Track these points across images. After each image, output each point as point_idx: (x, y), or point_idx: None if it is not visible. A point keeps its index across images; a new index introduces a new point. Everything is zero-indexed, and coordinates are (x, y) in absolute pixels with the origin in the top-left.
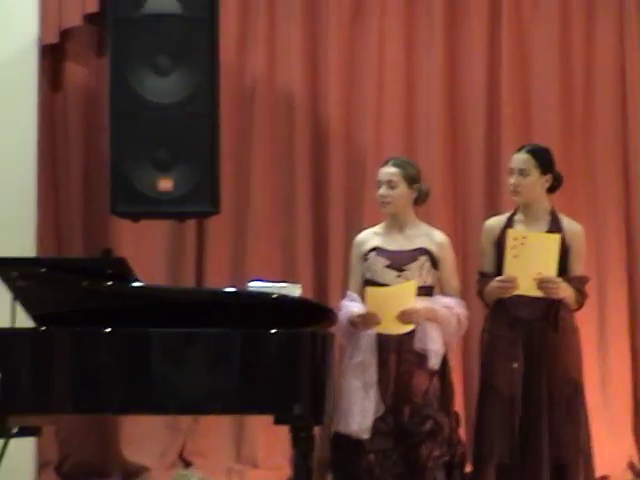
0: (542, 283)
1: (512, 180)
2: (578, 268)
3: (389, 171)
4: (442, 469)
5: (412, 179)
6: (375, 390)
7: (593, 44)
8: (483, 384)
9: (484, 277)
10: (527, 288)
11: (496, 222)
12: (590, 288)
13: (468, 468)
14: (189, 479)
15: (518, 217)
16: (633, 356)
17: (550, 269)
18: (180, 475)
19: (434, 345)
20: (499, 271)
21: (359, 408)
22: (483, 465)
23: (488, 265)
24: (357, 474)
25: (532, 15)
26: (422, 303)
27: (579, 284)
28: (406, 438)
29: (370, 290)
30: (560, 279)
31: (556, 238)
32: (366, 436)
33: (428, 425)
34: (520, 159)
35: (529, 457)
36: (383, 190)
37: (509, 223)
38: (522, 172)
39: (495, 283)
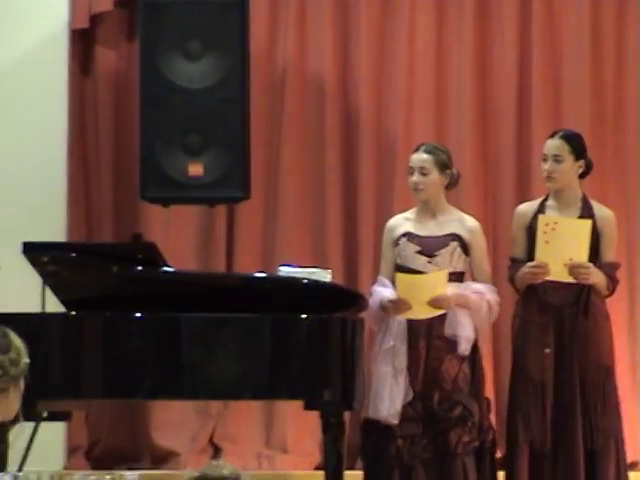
0: (573, 269)
1: (546, 166)
2: (609, 254)
3: (421, 158)
4: (472, 455)
5: (444, 165)
6: (405, 376)
7: (623, 28)
8: (514, 370)
9: (515, 263)
10: (558, 274)
11: (528, 208)
12: (620, 274)
13: (499, 453)
14: (221, 470)
15: (550, 203)
16: None
17: (581, 255)
18: (212, 466)
19: (464, 331)
20: (530, 257)
21: (388, 393)
22: (515, 450)
23: (519, 251)
24: (386, 459)
25: (562, 2)
26: (453, 289)
27: (610, 270)
28: (435, 424)
29: (401, 276)
30: (591, 265)
31: (587, 224)
32: (395, 421)
33: (457, 411)
34: (554, 145)
35: (562, 442)
36: (416, 177)
37: (541, 209)
38: (556, 158)
39: (526, 269)
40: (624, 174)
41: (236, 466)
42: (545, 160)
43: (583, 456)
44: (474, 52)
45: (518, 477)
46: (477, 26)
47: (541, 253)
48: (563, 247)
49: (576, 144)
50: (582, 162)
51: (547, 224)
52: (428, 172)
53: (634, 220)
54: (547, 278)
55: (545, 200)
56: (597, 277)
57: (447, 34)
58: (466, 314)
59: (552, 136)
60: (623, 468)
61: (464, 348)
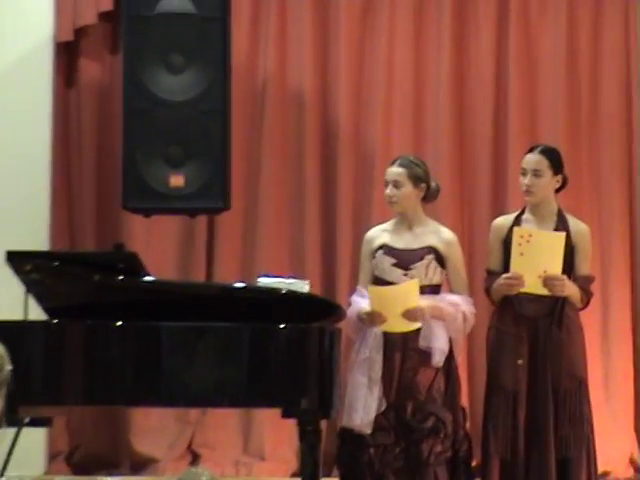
0: (547, 281)
1: (525, 180)
2: (584, 267)
3: (395, 171)
4: (444, 464)
5: (418, 178)
6: (379, 386)
7: (599, 46)
8: (489, 380)
9: (491, 275)
10: (533, 286)
11: (504, 221)
12: (594, 287)
13: (475, 462)
14: (199, 477)
15: (526, 216)
16: (636, 354)
17: (555, 267)
18: (190, 473)
19: (438, 343)
20: (506, 269)
21: (362, 404)
22: (489, 460)
23: (495, 263)
24: (359, 468)
25: (539, 16)
26: (427, 301)
27: (584, 283)
28: (408, 434)
29: (372, 289)
30: (565, 277)
31: (561, 237)
32: (368, 431)
33: (430, 422)
34: (534, 160)
35: (535, 451)
36: (389, 190)
37: (517, 222)
38: (536, 173)
39: (502, 280)
40: (598, 189)
41: (214, 473)
42: (524, 174)
43: (555, 465)
44: (451, 66)
45: None
46: (455, 40)
47: (516, 265)
48: (537, 259)
49: (555, 159)
50: (560, 177)
51: (522, 236)
52: (401, 185)
53: (608, 235)
54: (522, 290)
55: (521, 213)
56: (571, 289)
57: (425, 48)
58: (441, 325)
59: (531, 151)
60: (594, 478)
61: (438, 360)
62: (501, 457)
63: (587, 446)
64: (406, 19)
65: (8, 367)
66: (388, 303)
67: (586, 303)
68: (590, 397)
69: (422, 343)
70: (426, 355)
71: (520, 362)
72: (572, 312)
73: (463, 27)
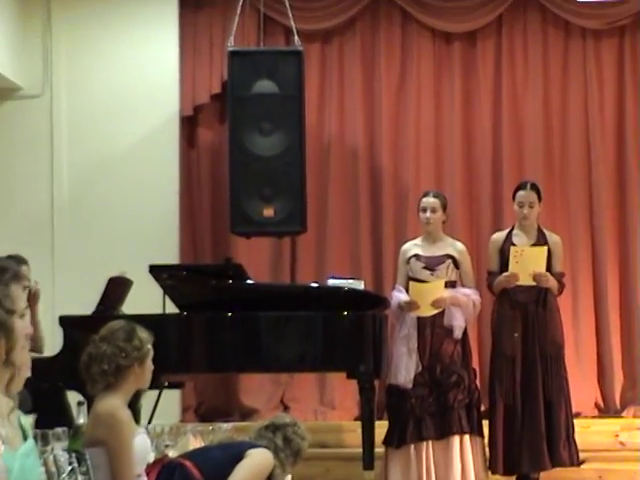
0: (536, 277)
1: (525, 211)
2: (558, 266)
3: (432, 200)
4: (464, 409)
5: (445, 206)
6: (415, 354)
7: (566, 110)
8: (493, 348)
9: (491, 274)
10: (525, 280)
11: (499, 235)
12: (568, 279)
13: (483, 407)
14: (284, 418)
15: (515, 232)
16: (597, 327)
17: (541, 268)
18: (280, 416)
19: (457, 322)
20: (502, 270)
21: (404, 367)
22: (495, 404)
23: (494, 266)
24: (404, 413)
25: (523, 89)
26: (448, 293)
27: (559, 277)
28: (438, 387)
29: (412, 284)
30: (548, 273)
31: (544, 249)
32: (409, 386)
33: (453, 378)
34: (530, 195)
35: (528, 398)
36: (428, 214)
37: (509, 236)
38: (531, 205)
39: (502, 277)
40: (568, 210)
41: (298, 418)
42: (522, 206)
43: (543, 407)
44: (461, 124)
45: (496, 424)
46: (463, 106)
47: (513, 268)
48: (528, 265)
49: (539, 192)
50: (541, 204)
51: (517, 251)
52: (436, 210)
53: (575, 242)
54: (517, 283)
55: (512, 230)
56: (551, 282)
57: (443, 112)
58: (458, 310)
59: (524, 188)
60: (570, 415)
61: (457, 334)
62: (504, 402)
63: (564, 393)
64: (428, 91)
65: (148, 346)
66: (422, 294)
67: (561, 291)
68: (565, 359)
69: (446, 322)
70: (448, 331)
71: (516, 335)
72: (552, 298)
73: (469, 96)
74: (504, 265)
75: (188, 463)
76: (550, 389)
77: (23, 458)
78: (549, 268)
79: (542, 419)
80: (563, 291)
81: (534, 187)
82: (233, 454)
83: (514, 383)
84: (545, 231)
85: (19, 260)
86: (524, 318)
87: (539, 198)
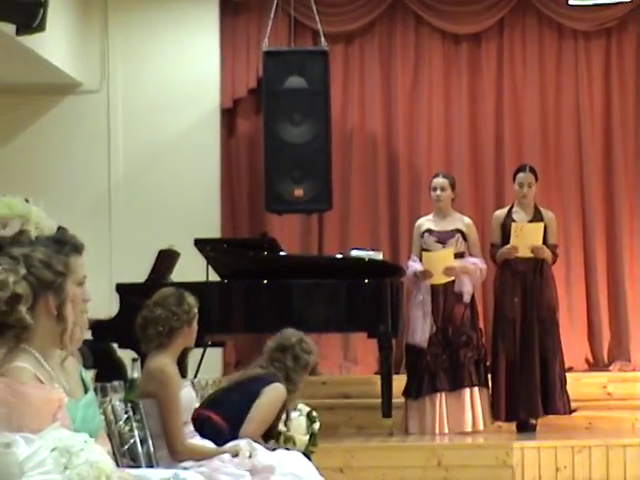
0: (533, 249)
1: (524, 191)
2: (552, 239)
3: (441, 181)
4: (473, 364)
5: (453, 185)
6: (430, 317)
7: (560, 101)
8: (496, 311)
9: (493, 246)
10: (524, 252)
11: (501, 212)
12: (562, 251)
13: (488, 362)
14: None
15: (515, 209)
16: (587, 293)
17: (538, 242)
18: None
19: (466, 288)
20: (503, 243)
21: (420, 328)
22: (497, 361)
23: (496, 239)
24: (420, 369)
25: (523, 85)
26: (457, 262)
27: (553, 249)
28: (450, 346)
29: (426, 254)
30: (544, 246)
31: (541, 226)
32: (425, 345)
33: (463, 338)
34: (528, 176)
35: (526, 355)
36: (439, 192)
37: (509, 213)
38: (529, 185)
39: (504, 249)
40: (562, 190)
41: (325, 373)
42: (521, 186)
43: (538, 363)
44: (468, 117)
45: (499, 377)
46: (469, 100)
47: (514, 242)
48: (527, 238)
49: (536, 174)
50: (537, 184)
51: (517, 227)
52: (445, 189)
53: (569, 218)
54: (517, 255)
55: (511, 208)
56: (547, 253)
57: (451, 106)
58: (467, 277)
59: (523, 170)
60: (563, 370)
61: (466, 298)
62: (506, 358)
63: (558, 350)
64: (439, 87)
65: (195, 310)
66: (434, 263)
67: (554, 261)
68: (559, 320)
69: (456, 288)
70: (459, 296)
71: (516, 300)
72: (547, 267)
73: (475, 91)
74: (506, 238)
75: (214, 416)
76: (545, 347)
77: (85, 408)
78: (544, 241)
79: (537, 373)
80: (556, 261)
81: (532, 170)
82: (250, 395)
83: (514, 342)
84: (541, 208)
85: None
86: (523, 285)
87: (536, 179)
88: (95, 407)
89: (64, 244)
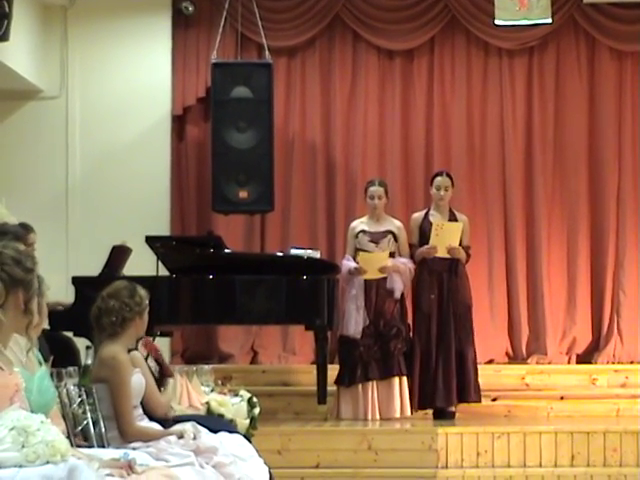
0: (450, 250)
1: (442, 193)
2: (466, 240)
3: (378, 189)
4: (402, 355)
5: (387, 192)
6: (363, 310)
7: (485, 114)
8: (414, 307)
9: (412, 247)
10: (442, 253)
11: (419, 215)
12: (483, 251)
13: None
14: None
15: (431, 212)
16: (508, 291)
17: (455, 242)
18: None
19: (397, 285)
20: (421, 243)
21: (354, 321)
22: (413, 353)
23: (414, 239)
24: (353, 359)
25: (451, 98)
26: (390, 261)
27: (467, 250)
28: (381, 338)
29: (362, 254)
30: (460, 247)
31: (460, 225)
32: (358, 337)
33: (394, 330)
34: (445, 180)
35: (442, 348)
36: (376, 201)
37: (426, 215)
38: (446, 188)
39: (424, 249)
40: (486, 195)
41: (265, 362)
42: (439, 189)
43: (454, 355)
44: (400, 127)
45: (414, 368)
46: (402, 111)
47: (433, 241)
48: (446, 238)
49: (452, 179)
50: (453, 189)
51: (438, 225)
52: (381, 197)
53: (492, 222)
54: (436, 255)
55: (428, 210)
56: (461, 253)
57: (385, 116)
58: (398, 275)
59: (441, 175)
60: (475, 361)
61: (397, 294)
62: (421, 349)
63: (472, 344)
64: (374, 99)
65: (146, 302)
66: (370, 263)
67: (467, 260)
68: (480, 316)
69: (388, 285)
70: (390, 292)
71: (432, 296)
72: (461, 266)
73: (407, 103)
74: (424, 239)
75: None
76: (461, 341)
77: (40, 380)
78: (459, 242)
79: (453, 365)
80: (469, 260)
81: (448, 175)
82: None
83: (430, 334)
84: (455, 212)
85: (27, 227)
86: (439, 283)
87: (452, 184)
88: (49, 380)
89: (5, 234)
